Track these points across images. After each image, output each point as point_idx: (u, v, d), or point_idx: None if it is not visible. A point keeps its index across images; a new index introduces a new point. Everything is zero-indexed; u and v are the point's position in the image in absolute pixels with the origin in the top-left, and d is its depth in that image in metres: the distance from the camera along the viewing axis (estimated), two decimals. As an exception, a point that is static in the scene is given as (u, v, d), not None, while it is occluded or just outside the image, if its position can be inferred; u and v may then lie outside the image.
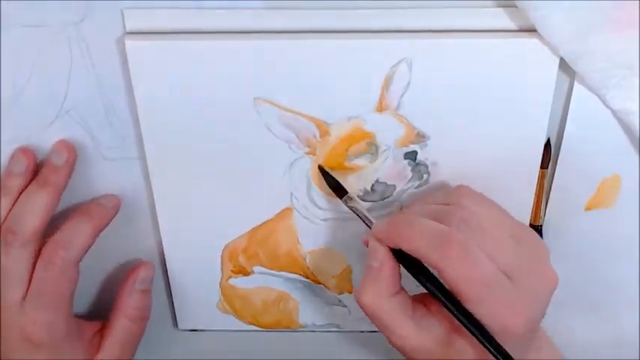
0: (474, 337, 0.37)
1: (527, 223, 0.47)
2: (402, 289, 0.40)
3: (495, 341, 0.37)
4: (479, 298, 0.37)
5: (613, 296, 0.51)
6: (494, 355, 0.37)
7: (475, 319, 0.37)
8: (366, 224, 0.42)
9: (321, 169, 0.44)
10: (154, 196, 0.46)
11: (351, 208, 0.43)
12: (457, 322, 0.38)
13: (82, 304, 0.51)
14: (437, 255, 0.37)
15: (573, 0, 0.38)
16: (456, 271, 0.37)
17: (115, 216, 0.46)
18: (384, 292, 0.39)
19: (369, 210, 0.43)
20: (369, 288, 0.39)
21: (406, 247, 0.38)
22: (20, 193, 0.43)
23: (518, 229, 0.40)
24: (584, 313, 0.52)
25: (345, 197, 0.43)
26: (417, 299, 0.41)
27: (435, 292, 0.38)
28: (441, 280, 0.38)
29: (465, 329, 0.37)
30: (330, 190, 0.45)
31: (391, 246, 0.39)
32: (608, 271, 0.50)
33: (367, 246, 0.41)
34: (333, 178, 0.44)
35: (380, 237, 0.40)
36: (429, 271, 0.39)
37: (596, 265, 0.49)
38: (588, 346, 0.53)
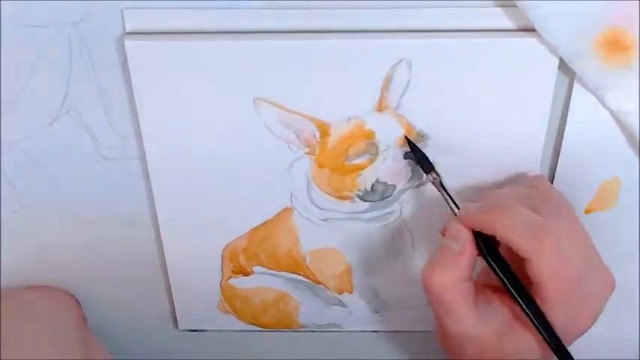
0: (533, 330, 0.37)
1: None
2: (472, 276, 0.39)
3: (559, 339, 0.37)
4: (563, 297, 0.37)
5: (613, 296, 0.51)
6: (555, 353, 0.37)
7: (542, 313, 0.37)
8: (453, 203, 0.41)
9: (407, 139, 0.43)
10: (154, 196, 0.46)
11: (436, 185, 0.42)
12: (518, 314, 0.38)
13: (82, 303, 0.51)
14: (531, 245, 0.36)
15: (573, 0, 0.38)
16: (548, 264, 0.36)
17: None
18: (457, 279, 0.38)
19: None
20: (442, 270, 0.38)
21: (500, 234, 0.37)
22: None
23: (584, 234, 0.40)
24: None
25: (431, 173, 0.42)
26: (478, 288, 0.40)
27: (507, 284, 0.38)
28: (523, 272, 0.38)
29: (531, 324, 0.37)
30: (329, 190, 0.45)
31: (481, 230, 0.38)
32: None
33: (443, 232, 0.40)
34: (420, 149, 0.43)
35: (470, 220, 0.39)
36: (505, 262, 0.39)
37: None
38: (588, 346, 0.53)
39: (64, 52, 0.41)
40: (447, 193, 0.41)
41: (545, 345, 0.38)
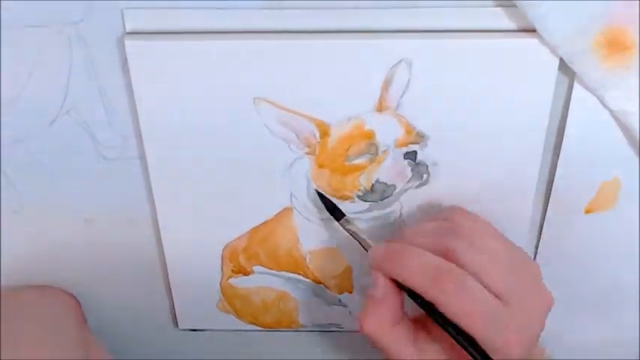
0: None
1: (527, 224, 0.47)
2: (405, 314, 0.41)
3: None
4: (476, 329, 0.37)
5: (613, 297, 0.51)
6: None
7: (476, 343, 0.38)
8: (364, 248, 0.42)
9: (317, 192, 0.45)
10: (154, 195, 0.46)
11: (348, 231, 0.44)
12: (457, 346, 0.38)
13: (82, 303, 0.52)
14: (433, 289, 0.37)
15: (572, 0, 0.38)
16: (453, 305, 0.37)
17: None
18: (387, 321, 0.39)
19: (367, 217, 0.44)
20: (371, 316, 0.40)
21: (402, 279, 0.39)
22: None
23: (511, 249, 0.41)
24: (584, 314, 0.52)
25: (342, 220, 0.44)
26: (418, 321, 0.41)
27: (438, 320, 0.38)
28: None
29: (467, 353, 0.38)
30: (329, 190, 0.45)
31: (387, 275, 0.40)
32: (609, 273, 0.50)
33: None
34: (330, 200, 0.45)
35: (377, 265, 0.40)
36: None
37: (596, 267, 0.49)
38: (588, 346, 0.53)
39: (64, 52, 0.41)
40: (354, 236, 0.43)
41: None
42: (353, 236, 0.43)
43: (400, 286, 0.40)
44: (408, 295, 0.40)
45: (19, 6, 0.40)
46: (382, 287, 0.40)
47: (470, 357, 0.38)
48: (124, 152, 0.45)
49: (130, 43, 0.40)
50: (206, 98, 0.42)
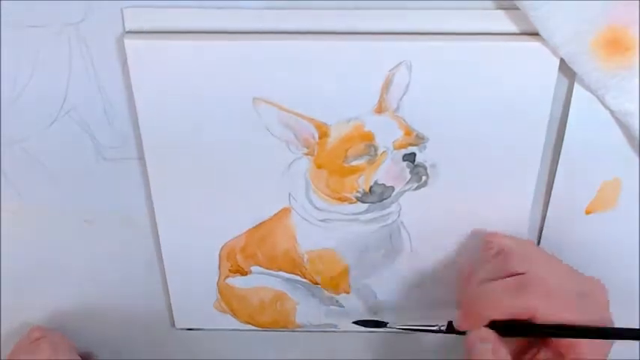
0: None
1: (527, 224, 0.47)
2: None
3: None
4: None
5: (613, 297, 0.51)
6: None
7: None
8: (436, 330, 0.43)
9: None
10: (152, 195, 0.46)
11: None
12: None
13: (81, 302, 0.52)
14: (522, 302, 0.38)
15: (573, 0, 0.38)
16: (544, 309, 0.38)
17: None
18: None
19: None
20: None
21: (495, 315, 0.39)
22: None
23: (582, 283, 0.41)
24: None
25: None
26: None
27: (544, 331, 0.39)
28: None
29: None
30: (327, 191, 0.45)
31: (481, 326, 0.40)
32: (609, 274, 0.49)
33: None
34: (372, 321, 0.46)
35: (465, 327, 0.40)
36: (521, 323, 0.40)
37: (596, 267, 0.49)
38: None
39: (64, 52, 0.41)
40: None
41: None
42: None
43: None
44: (502, 333, 0.40)
45: (19, 6, 0.40)
46: (488, 338, 0.39)
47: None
48: (124, 152, 0.45)
49: (129, 43, 0.40)
50: (205, 98, 0.42)
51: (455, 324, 0.41)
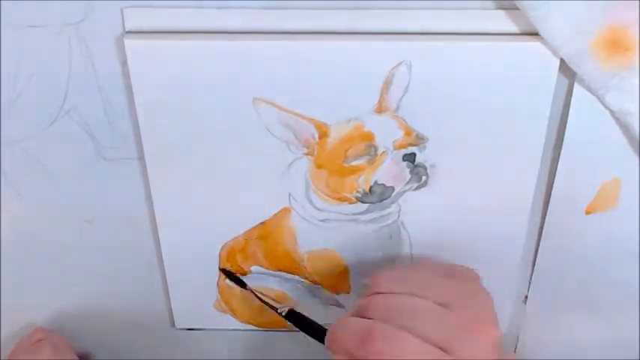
0: None
1: (527, 225, 0.47)
2: None
3: None
4: None
5: (613, 297, 0.51)
6: None
7: None
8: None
9: (224, 271, 0.47)
10: (152, 195, 0.46)
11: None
12: None
13: (81, 302, 0.52)
14: (365, 352, 0.36)
15: (573, 0, 0.38)
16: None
17: None
18: None
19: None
20: None
21: (338, 351, 0.37)
22: None
23: (448, 285, 0.39)
24: (584, 314, 0.52)
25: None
26: None
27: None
28: None
29: None
30: (327, 191, 0.45)
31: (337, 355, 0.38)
32: (609, 273, 0.49)
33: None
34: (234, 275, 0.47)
35: (329, 347, 0.39)
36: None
37: (596, 267, 0.49)
38: (588, 346, 0.53)
39: (64, 52, 0.41)
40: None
41: None
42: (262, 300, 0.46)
43: None
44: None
45: (19, 6, 0.40)
46: None
47: None
48: (124, 152, 0.45)
49: (129, 43, 0.40)
50: (205, 98, 0.42)
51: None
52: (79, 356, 0.51)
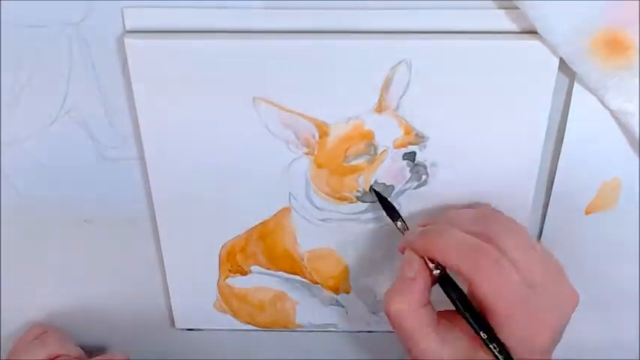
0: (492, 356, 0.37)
1: (527, 224, 0.47)
2: (430, 301, 0.40)
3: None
4: (507, 313, 0.37)
5: (613, 297, 0.51)
6: None
7: (495, 336, 0.37)
8: (401, 232, 0.43)
9: (374, 190, 0.45)
10: (153, 195, 0.46)
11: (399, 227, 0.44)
12: (478, 340, 0.38)
13: (81, 302, 0.52)
14: (468, 266, 0.37)
15: (573, 0, 0.38)
16: (486, 283, 0.37)
17: None
18: (414, 304, 0.39)
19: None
20: (399, 297, 0.39)
21: (439, 257, 0.39)
22: None
23: (542, 245, 0.41)
24: (584, 314, 0.52)
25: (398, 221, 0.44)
26: (441, 314, 0.40)
27: (459, 306, 0.39)
28: (468, 295, 0.39)
29: (485, 346, 0.38)
30: (327, 191, 0.45)
31: (424, 256, 0.40)
32: (609, 273, 0.50)
33: (402, 253, 0.41)
34: (388, 200, 0.45)
35: (413, 247, 0.40)
36: (457, 286, 0.39)
37: (596, 267, 0.49)
38: (588, 346, 0.53)
39: (64, 52, 0.41)
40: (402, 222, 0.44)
41: None
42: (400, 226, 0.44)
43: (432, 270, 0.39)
44: (439, 282, 0.39)
45: (19, 6, 0.40)
46: (416, 267, 0.39)
47: (492, 356, 0.37)
48: (124, 152, 0.45)
49: (129, 42, 0.40)
50: (205, 98, 0.42)
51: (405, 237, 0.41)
52: (85, 350, 0.51)
